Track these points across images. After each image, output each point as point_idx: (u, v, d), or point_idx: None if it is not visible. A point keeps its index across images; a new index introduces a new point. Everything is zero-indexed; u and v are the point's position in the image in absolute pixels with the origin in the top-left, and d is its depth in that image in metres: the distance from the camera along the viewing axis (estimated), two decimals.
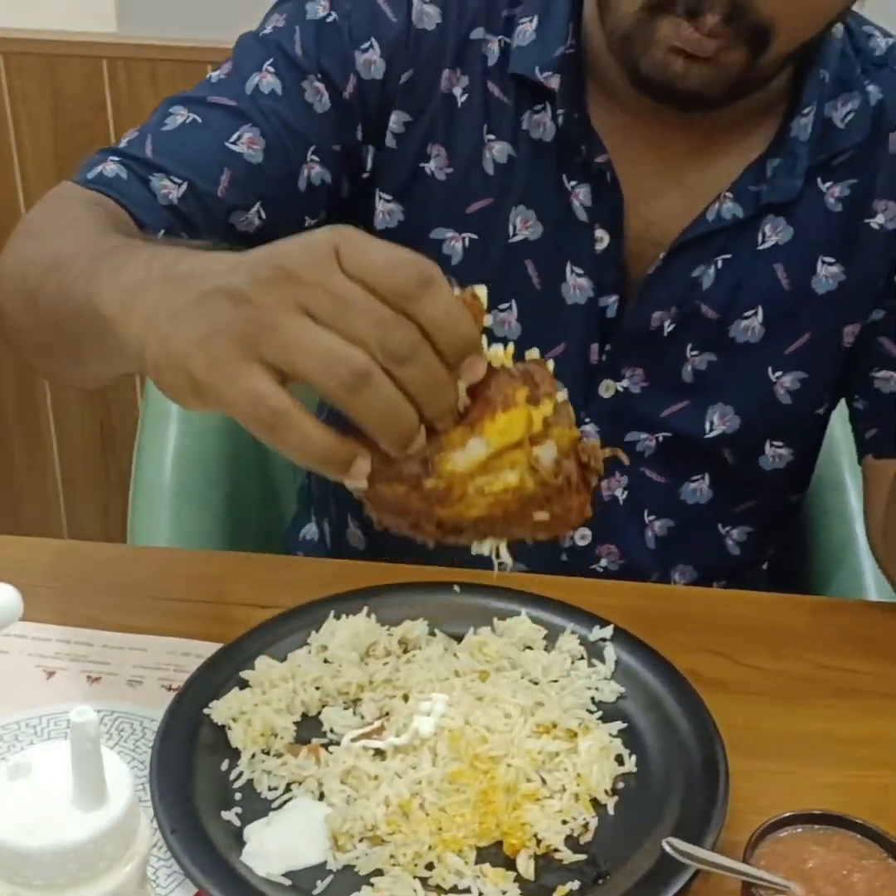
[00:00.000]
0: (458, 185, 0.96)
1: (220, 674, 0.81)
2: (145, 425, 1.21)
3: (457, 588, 0.91)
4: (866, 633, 0.92)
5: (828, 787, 0.76)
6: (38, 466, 2.16)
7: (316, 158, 0.95)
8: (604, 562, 1.06)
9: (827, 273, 0.98)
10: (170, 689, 0.82)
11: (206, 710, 0.78)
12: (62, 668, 0.84)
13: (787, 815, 0.69)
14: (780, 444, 1.04)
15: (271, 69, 0.94)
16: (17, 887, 0.47)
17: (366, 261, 0.55)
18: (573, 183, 0.95)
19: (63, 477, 2.17)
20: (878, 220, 0.97)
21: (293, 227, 0.95)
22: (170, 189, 0.90)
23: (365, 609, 0.87)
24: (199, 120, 0.92)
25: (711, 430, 1.01)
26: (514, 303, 0.98)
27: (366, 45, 0.94)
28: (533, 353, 0.63)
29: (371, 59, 0.94)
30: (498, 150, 0.95)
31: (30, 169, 1.93)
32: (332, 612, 0.86)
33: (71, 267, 0.72)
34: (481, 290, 0.58)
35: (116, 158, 0.91)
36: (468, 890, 0.69)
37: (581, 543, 1.05)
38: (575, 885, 0.69)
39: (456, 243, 0.97)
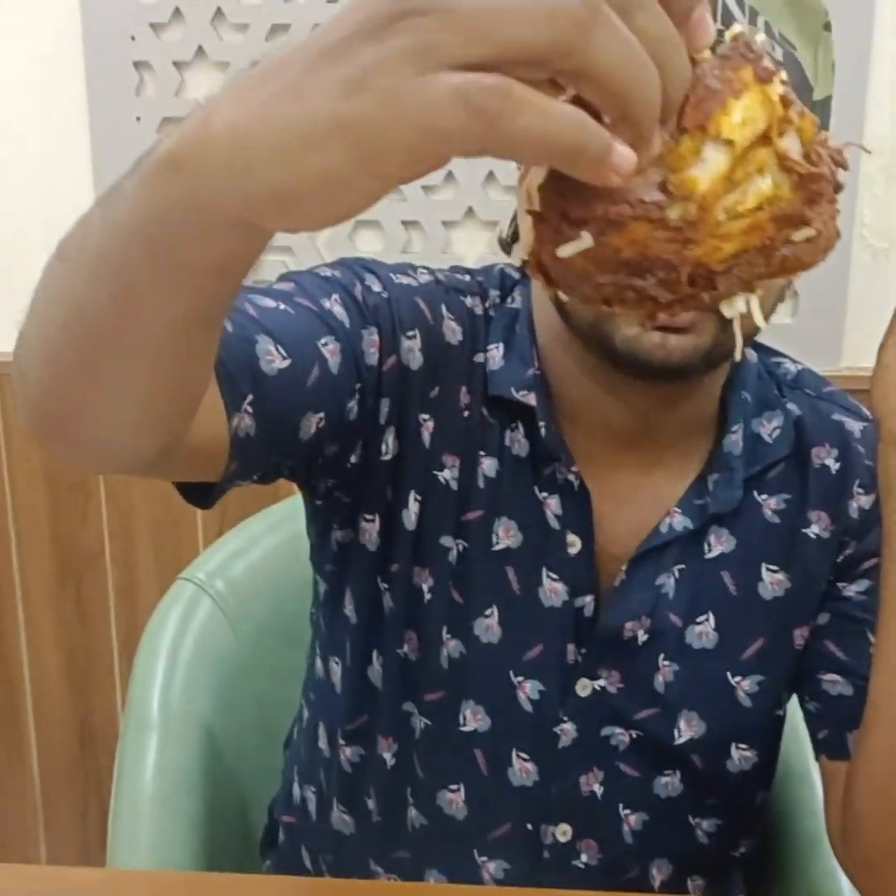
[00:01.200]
0: (462, 496, 1.01)
1: None
2: (127, 733, 1.22)
3: None
4: None
5: None
6: (16, 775, 2.14)
7: (355, 399, 0.95)
8: (584, 857, 1.06)
9: (772, 580, 1.03)
10: None
11: None
12: None
13: None
14: (744, 746, 1.05)
15: (339, 300, 0.92)
16: None
17: None
18: (544, 494, 1.01)
19: (41, 781, 2.14)
20: (813, 530, 1.03)
21: (337, 452, 0.96)
22: (274, 357, 0.84)
23: None
24: (291, 311, 0.88)
25: (679, 736, 1.04)
26: (495, 608, 1.02)
27: (412, 332, 0.97)
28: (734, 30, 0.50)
29: (413, 347, 0.97)
30: (487, 466, 1.01)
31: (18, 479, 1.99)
32: None
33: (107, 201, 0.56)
34: None
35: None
36: None
37: (562, 839, 1.06)
38: None
39: (454, 550, 1.02)
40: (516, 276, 1.06)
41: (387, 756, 1.07)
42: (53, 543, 2.01)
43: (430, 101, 0.42)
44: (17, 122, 1.86)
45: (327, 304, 0.91)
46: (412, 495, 1.01)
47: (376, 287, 0.97)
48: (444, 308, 1.01)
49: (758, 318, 0.53)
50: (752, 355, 1.05)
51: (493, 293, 1.05)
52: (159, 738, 1.22)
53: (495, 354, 1.01)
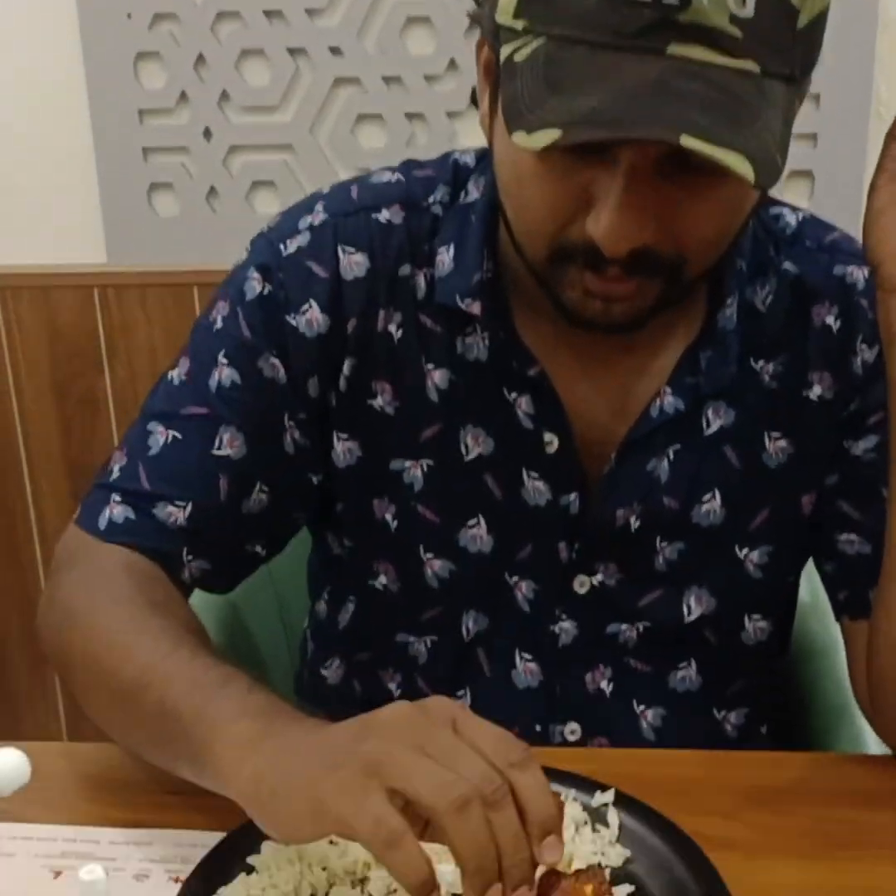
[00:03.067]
0: (408, 416, 1.00)
1: (227, 861, 0.80)
2: None
3: None
4: (863, 786, 0.92)
5: None
6: (39, 673, 2.18)
7: (292, 423, 1.00)
8: None
9: (775, 448, 1.01)
10: (177, 880, 0.81)
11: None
12: (69, 866, 0.83)
13: None
14: (758, 616, 1.05)
15: (225, 360, 0.99)
16: None
17: (479, 730, 0.68)
18: (514, 394, 0.99)
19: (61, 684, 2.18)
20: (815, 392, 1.00)
21: (301, 487, 1.02)
22: (175, 514, 0.97)
23: None
24: (179, 436, 0.98)
25: (690, 614, 1.03)
26: (480, 517, 1.02)
27: (305, 307, 0.99)
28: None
29: (312, 318, 0.99)
30: (439, 378, 1.00)
31: (26, 394, 2.03)
32: None
33: (169, 689, 0.82)
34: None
35: (118, 497, 0.97)
36: None
37: (571, 738, 1.06)
38: None
39: (415, 471, 1.01)
40: (472, 163, 1.02)
41: (392, 687, 1.09)
42: (64, 459, 2.06)
43: (361, 808, 0.65)
44: (9, 29, 1.88)
45: (215, 376, 0.99)
46: (335, 435, 1.01)
47: (256, 288, 0.99)
48: (338, 249, 0.99)
49: None
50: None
51: (442, 191, 1.01)
52: None
53: (444, 259, 0.99)
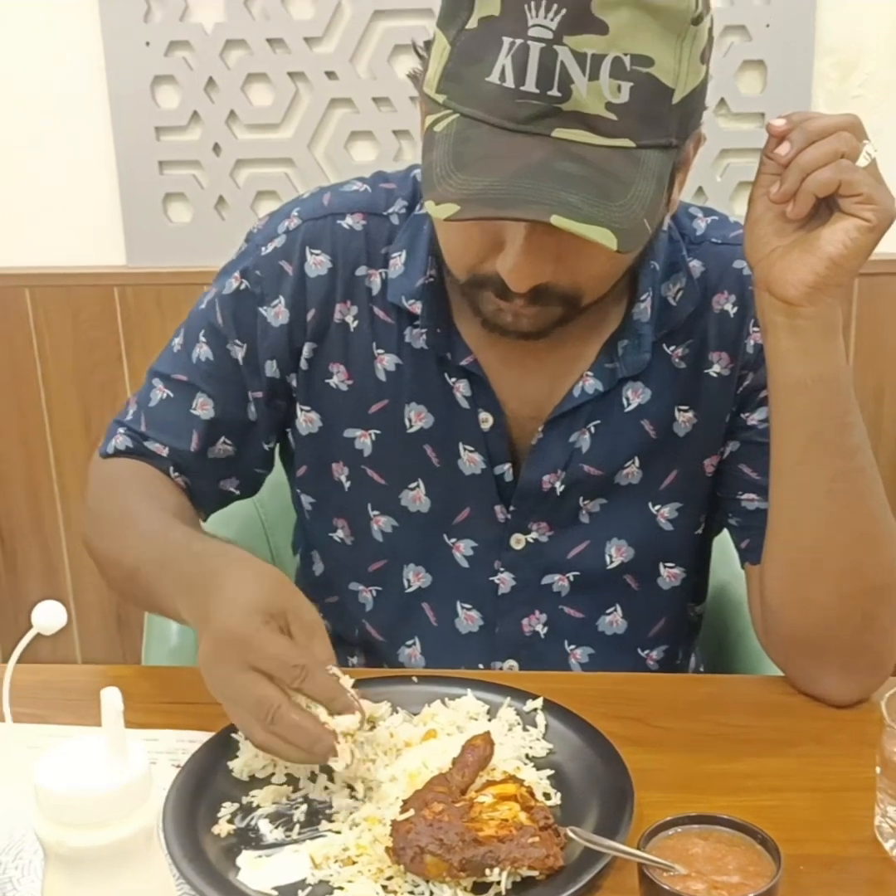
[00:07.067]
0: (359, 393, 1.16)
1: (214, 752, 0.99)
2: None
3: (415, 679, 1.09)
4: (755, 699, 1.10)
5: (719, 808, 0.89)
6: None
7: (254, 396, 1.18)
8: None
9: (683, 419, 1.15)
10: (177, 766, 0.98)
11: (230, 763, 0.97)
12: None
13: (673, 817, 0.84)
14: (671, 564, 1.20)
15: (204, 340, 1.19)
16: (62, 827, 0.64)
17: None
18: (453, 379, 1.14)
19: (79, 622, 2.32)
20: (715, 370, 1.14)
21: (257, 448, 1.22)
22: (160, 450, 1.21)
23: None
24: (171, 395, 1.20)
25: (611, 562, 1.18)
26: (420, 481, 1.17)
27: (275, 301, 1.15)
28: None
29: (279, 311, 1.15)
30: (387, 361, 1.15)
31: (52, 381, 2.16)
32: None
33: (147, 576, 1.08)
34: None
35: (123, 431, 1.22)
36: (424, 892, 0.85)
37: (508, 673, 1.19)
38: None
39: (365, 439, 1.17)
40: None
41: (354, 631, 1.24)
42: (85, 440, 2.17)
43: (246, 707, 0.91)
44: (33, 51, 2.03)
45: (197, 351, 1.19)
46: (299, 407, 1.18)
47: (234, 284, 1.17)
48: (306, 251, 1.14)
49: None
50: (666, 221, 1.11)
51: (399, 203, 1.15)
52: None
53: (397, 262, 1.13)
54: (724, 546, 1.25)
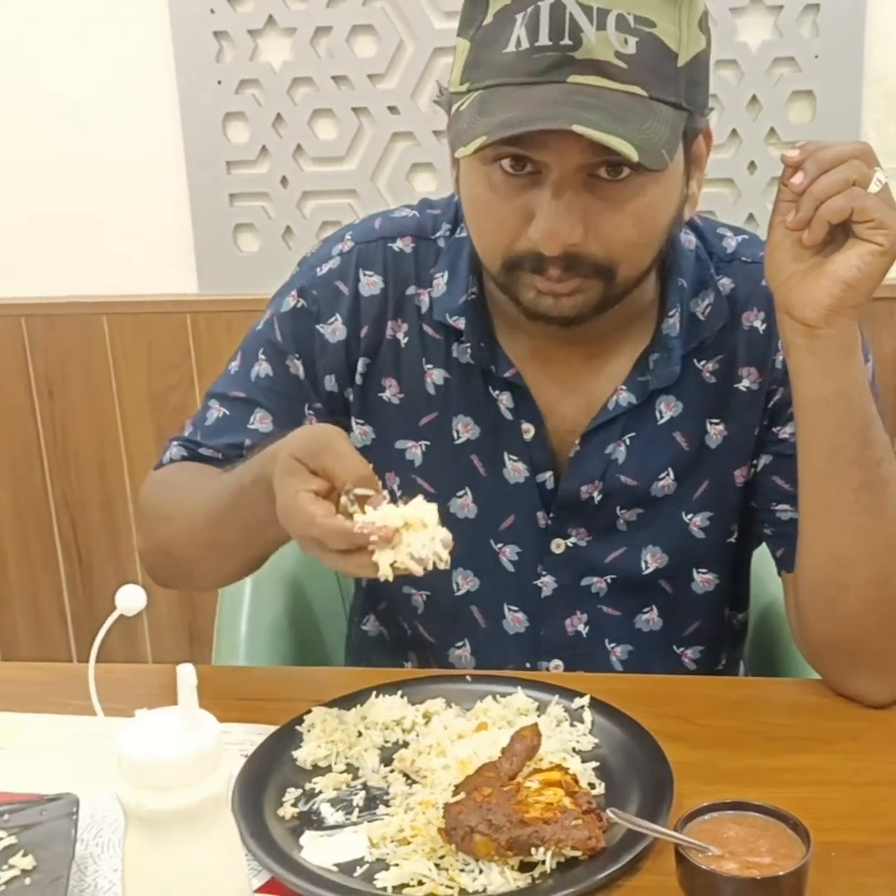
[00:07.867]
0: (409, 406, 1.21)
1: (279, 743, 1.06)
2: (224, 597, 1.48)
3: (468, 679, 1.15)
4: (793, 700, 1.14)
5: (754, 799, 0.92)
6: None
7: (312, 411, 1.23)
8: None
9: (714, 432, 1.19)
10: (244, 756, 1.04)
11: (294, 753, 1.03)
12: None
13: (709, 803, 0.89)
14: (704, 570, 1.24)
15: (263, 357, 1.23)
16: (141, 789, 0.71)
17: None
18: (497, 392, 1.19)
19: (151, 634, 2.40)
20: (744, 384, 1.18)
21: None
22: (213, 454, 1.24)
23: (399, 692, 1.11)
24: (228, 412, 1.24)
25: (647, 567, 1.22)
26: (467, 489, 1.22)
27: (332, 319, 1.20)
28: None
29: (336, 327, 1.20)
30: (436, 375, 1.20)
31: (127, 404, 2.26)
32: (374, 693, 1.10)
33: (227, 501, 1.12)
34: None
35: (177, 443, 1.26)
36: (473, 869, 0.90)
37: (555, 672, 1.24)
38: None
39: (416, 450, 1.22)
40: None
41: (408, 633, 1.29)
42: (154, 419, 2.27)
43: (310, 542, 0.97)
44: (113, 91, 2.13)
45: (256, 369, 1.23)
46: (353, 421, 1.23)
47: (291, 302, 1.22)
48: (359, 271, 1.20)
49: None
50: (692, 241, 1.17)
51: (444, 227, 1.20)
52: (252, 588, 1.46)
53: (440, 282, 1.19)
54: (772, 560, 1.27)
